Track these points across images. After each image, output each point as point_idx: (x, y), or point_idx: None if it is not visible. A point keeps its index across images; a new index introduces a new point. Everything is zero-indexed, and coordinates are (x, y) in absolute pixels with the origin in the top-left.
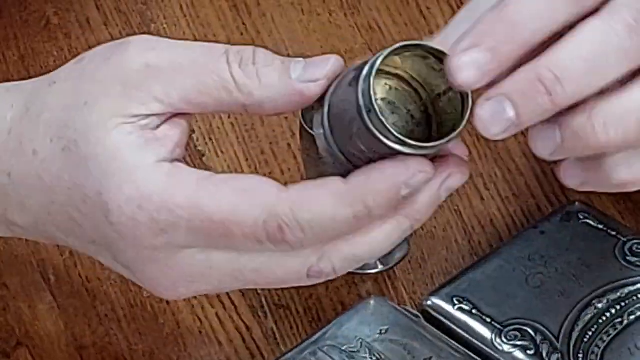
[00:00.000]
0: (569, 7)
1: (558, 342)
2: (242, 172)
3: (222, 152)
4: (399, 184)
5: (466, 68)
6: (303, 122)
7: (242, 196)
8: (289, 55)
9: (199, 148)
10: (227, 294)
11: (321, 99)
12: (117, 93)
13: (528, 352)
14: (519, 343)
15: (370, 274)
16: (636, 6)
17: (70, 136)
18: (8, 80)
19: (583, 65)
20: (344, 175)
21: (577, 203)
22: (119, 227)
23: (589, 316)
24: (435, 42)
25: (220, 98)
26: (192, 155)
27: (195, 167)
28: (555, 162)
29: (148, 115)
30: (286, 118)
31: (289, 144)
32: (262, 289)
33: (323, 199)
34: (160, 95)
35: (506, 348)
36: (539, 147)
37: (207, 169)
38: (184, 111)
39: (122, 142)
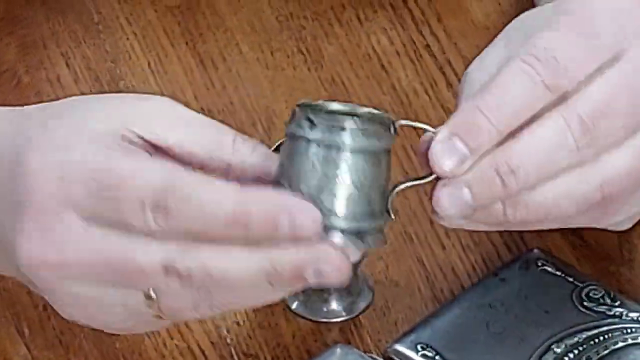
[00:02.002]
0: (545, 97)
1: None
2: None
3: None
4: (284, 212)
5: (449, 156)
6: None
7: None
8: (254, 110)
9: None
10: (198, 344)
11: None
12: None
13: None
14: None
15: (335, 322)
16: (593, 102)
17: None
18: None
19: (536, 159)
20: None
21: (535, 250)
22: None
23: None
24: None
25: (210, 150)
26: None
27: None
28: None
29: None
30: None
31: None
32: (231, 339)
33: (217, 188)
34: (160, 131)
35: None
36: (447, 221)
37: None
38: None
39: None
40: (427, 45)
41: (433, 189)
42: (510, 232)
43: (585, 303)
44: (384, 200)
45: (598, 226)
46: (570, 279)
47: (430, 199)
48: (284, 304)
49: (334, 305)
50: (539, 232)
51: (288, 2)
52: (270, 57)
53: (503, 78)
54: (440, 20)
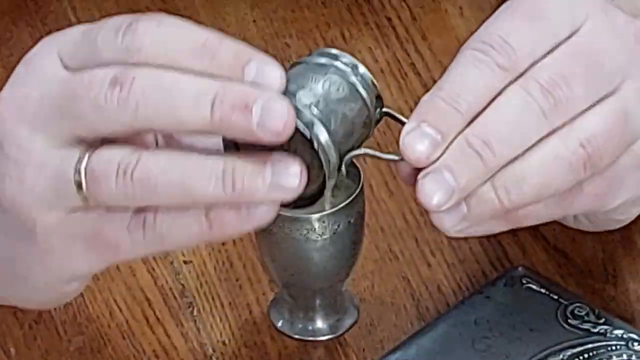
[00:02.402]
0: (501, 77)
1: None
2: (200, 251)
3: None
4: (255, 58)
5: (420, 141)
6: None
7: None
8: None
9: None
10: None
11: None
12: None
13: None
14: None
15: (321, 340)
16: (550, 70)
17: None
18: None
19: (505, 129)
20: (295, 251)
21: (520, 268)
22: None
23: None
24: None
25: None
26: None
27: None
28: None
29: None
30: None
31: None
32: (217, 358)
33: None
34: None
35: None
36: (445, 221)
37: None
38: None
39: None
40: (412, 63)
41: (415, 183)
42: (495, 249)
43: (570, 320)
44: (341, 156)
45: (603, 209)
46: (555, 297)
47: (415, 198)
48: (269, 322)
49: (320, 323)
50: (523, 250)
51: (273, 21)
52: None
53: (459, 67)
54: (425, 38)
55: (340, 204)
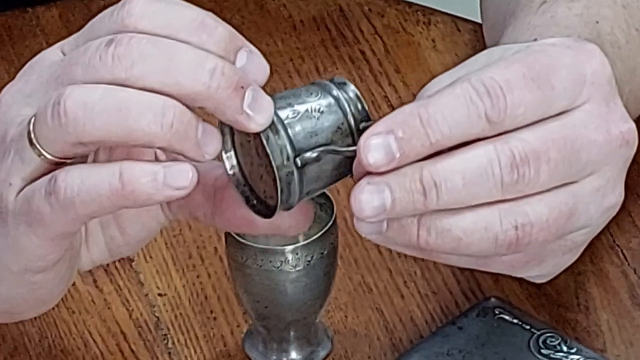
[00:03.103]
0: (483, 127)
1: None
2: (171, 277)
3: (150, 257)
4: (246, 46)
5: (376, 150)
6: None
7: None
8: None
9: None
10: None
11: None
12: None
13: None
14: None
15: None
16: (527, 145)
17: None
18: None
19: (461, 182)
20: (269, 283)
21: (492, 299)
22: None
23: None
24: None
25: None
26: (122, 261)
27: (125, 272)
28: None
29: None
30: None
31: (215, 248)
32: None
33: None
34: None
35: None
36: (362, 226)
37: (137, 274)
38: None
39: None
40: (385, 96)
41: (356, 186)
42: (468, 280)
43: (542, 350)
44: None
45: (515, 275)
46: (527, 327)
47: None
48: (244, 355)
49: (294, 355)
50: (496, 280)
51: None
52: None
53: (449, 95)
54: (399, 71)
55: (313, 235)
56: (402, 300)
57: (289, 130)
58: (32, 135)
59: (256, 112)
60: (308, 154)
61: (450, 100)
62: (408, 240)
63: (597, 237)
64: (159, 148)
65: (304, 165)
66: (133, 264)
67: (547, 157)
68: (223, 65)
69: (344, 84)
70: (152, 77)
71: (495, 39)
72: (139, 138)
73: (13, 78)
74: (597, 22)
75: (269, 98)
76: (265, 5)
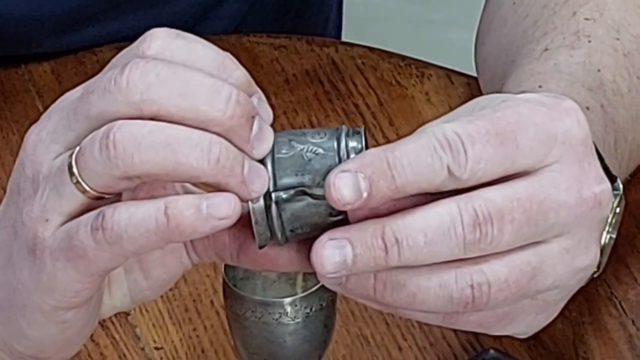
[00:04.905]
0: (446, 179)
1: None
2: (167, 330)
3: (146, 310)
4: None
5: (344, 186)
6: (226, 279)
7: None
8: None
9: None
10: None
11: None
12: None
13: None
14: None
15: None
16: (491, 204)
17: None
18: None
19: (422, 240)
20: (267, 335)
21: (491, 350)
22: None
23: None
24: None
25: None
26: (118, 315)
27: (121, 325)
28: None
29: None
30: (208, 276)
31: (211, 301)
32: None
33: None
34: None
35: None
36: (324, 279)
37: (133, 327)
38: None
39: None
40: None
41: (317, 241)
42: (466, 332)
43: None
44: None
45: (489, 333)
46: None
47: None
48: None
49: None
50: None
51: None
52: None
53: (415, 143)
54: (392, 123)
55: (312, 287)
56: (399, 353)
57: (275, 165)
58: (75, 169)
59: (260, 145)
60: (283, 191)
61: (415, 148)
62: (366, 294)
63: (595, 289)
64: (204, 183)
65: (281, 201)
66: (129, 317)
67: (511, 217)
68: (238, 93)
69: (357, 133)
70: (168, 101)
71: (496, 88)
72: (185, 172)
73: (3, 133)
74: (599, 70)
75: (270, 129)
76: (258, 59)
